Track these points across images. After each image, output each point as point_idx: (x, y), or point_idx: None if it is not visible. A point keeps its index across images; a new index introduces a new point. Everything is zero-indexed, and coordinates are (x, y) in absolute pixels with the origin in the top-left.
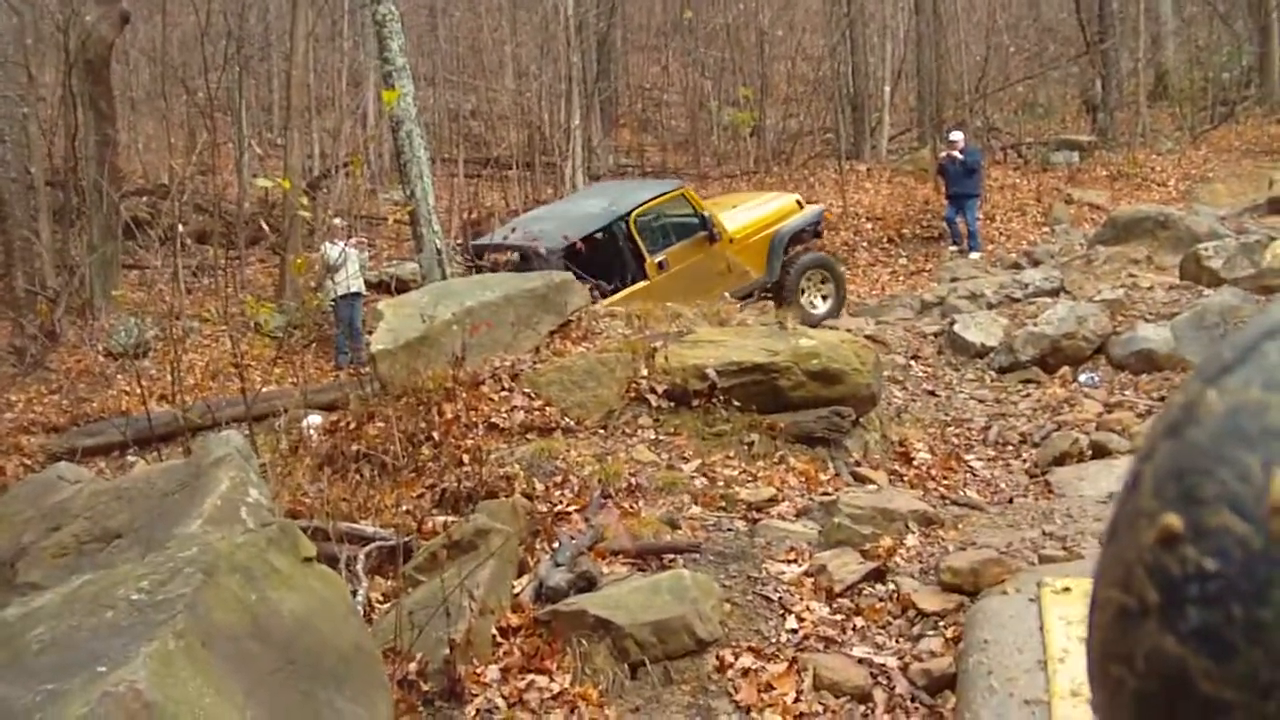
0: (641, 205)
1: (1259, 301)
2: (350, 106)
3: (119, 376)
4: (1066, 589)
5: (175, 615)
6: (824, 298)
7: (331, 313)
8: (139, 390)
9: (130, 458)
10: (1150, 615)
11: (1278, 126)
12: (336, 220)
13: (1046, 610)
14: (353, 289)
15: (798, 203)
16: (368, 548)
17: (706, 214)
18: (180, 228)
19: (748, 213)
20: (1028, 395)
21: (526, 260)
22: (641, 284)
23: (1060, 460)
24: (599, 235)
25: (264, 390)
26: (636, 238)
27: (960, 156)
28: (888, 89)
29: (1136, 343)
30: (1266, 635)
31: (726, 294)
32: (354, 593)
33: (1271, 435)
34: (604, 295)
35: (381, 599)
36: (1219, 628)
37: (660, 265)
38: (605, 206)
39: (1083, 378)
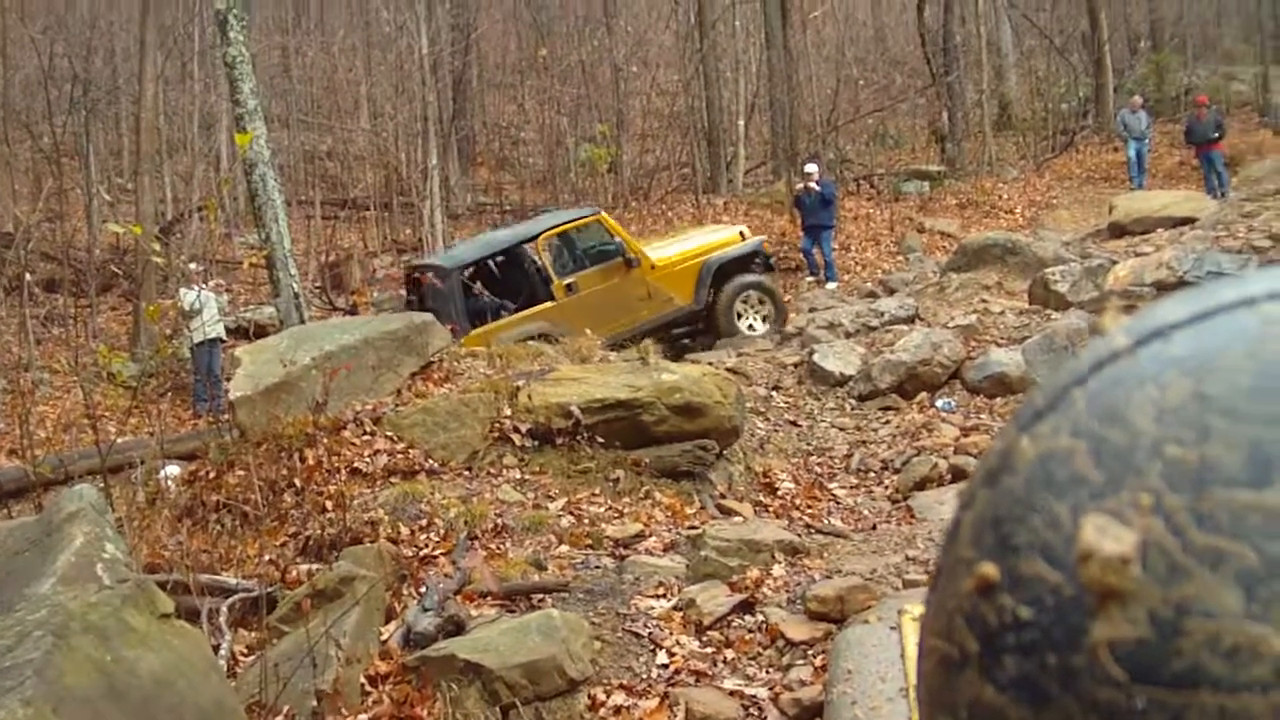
0: (549, 230)
1: None
2: (203, 150)
3: None
4: None
5: (23, 681)
6: (764, 319)
7: (190, 359)
8: None
9: None
10: (970, 664)
11: (1114, 154)
12: (192, 265)
13: (907, 638)
14: (210, 335)
15: (741, 234)
16: (230, 600)
17: (621, 240)
18: (27, 276)
19: (679, 244)
20: (887, 422)
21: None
22: (546, 305)
23: (921, 485)
24: (503, 258)
25: (119, 441)
26: (543, 260)
27: (816, 188)
28: (742, 123)
29: (990, 367)
30: (1080, 682)
31: (649, 321)
32: (217, 647)
33: (1079, 482)
34: (509, 314)
35: (246, 652)
36: (1035, 676)
37: (569, 288)
38: (519, 232)
39: (939, 403)
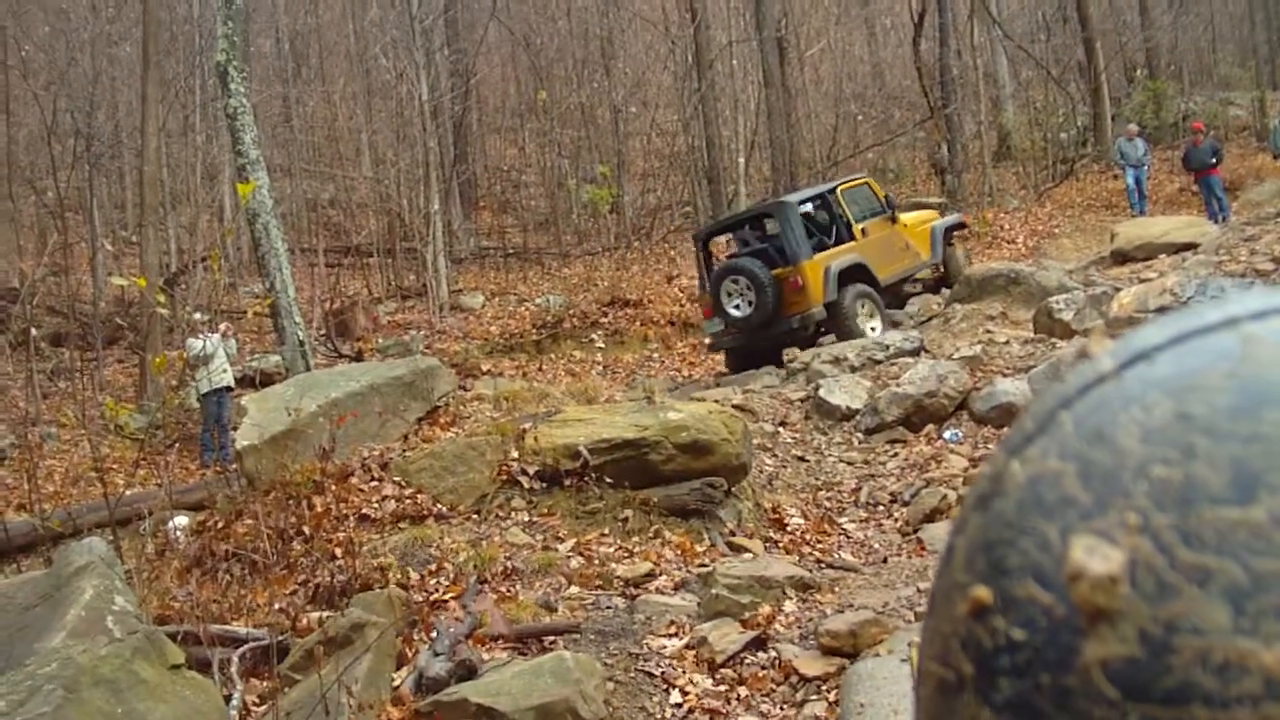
0: (843, 184)
1: None
2: (206, 201)
3: None
4: None
5: None
6: None
7: (198, 409)
8: None
9: None
10: (966, 688)
11: (1115, 182)
12: (197, 315)
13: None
14: (218, 384)
15: (940, 211)
16: (241, 649)
17: (888, 197)
18: (33, 331)
19: (911, 214)
20: (895, 455)
21: (769, 216)
22: (853, 243)
23: (930, 517)
24: (819, 201)
25: (127, 493)
26: (844, 207)
27: None
28: (742, 160)
29: (996, 397)
30: (1073, 701)
31: (911, 268)
32: (228, 697)
33: (1068, 503)
34: (825, 249)
35: (257, 701)
36: (1029, 697)
37: (863, 232)
38: (823, 185)
39: (947, 434)
